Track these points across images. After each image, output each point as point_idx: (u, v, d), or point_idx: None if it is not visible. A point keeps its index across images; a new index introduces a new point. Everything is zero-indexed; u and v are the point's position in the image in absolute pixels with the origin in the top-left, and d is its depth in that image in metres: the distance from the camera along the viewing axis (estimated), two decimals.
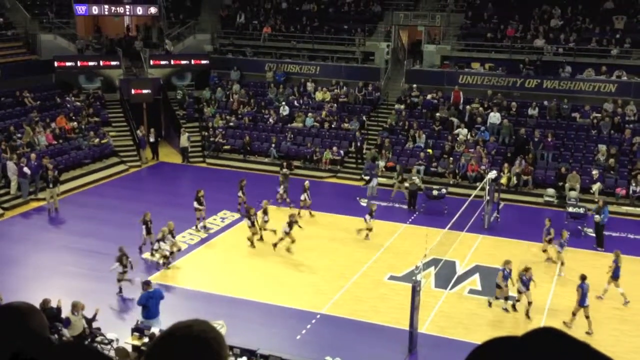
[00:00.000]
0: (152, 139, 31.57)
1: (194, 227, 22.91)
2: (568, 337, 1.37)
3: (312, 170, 29.71)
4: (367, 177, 27.53)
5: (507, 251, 21.33)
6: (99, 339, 15.43)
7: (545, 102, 30.23)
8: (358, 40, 35.28)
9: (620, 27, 31.67)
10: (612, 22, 31.89)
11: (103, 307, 15.91)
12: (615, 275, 17.99)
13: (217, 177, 29.12)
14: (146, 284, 16.07)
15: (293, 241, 21.03)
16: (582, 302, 16.31)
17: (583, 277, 16.50)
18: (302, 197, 23.96)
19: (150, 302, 15.66)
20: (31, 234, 22.59)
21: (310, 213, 24.10)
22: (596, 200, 25.58)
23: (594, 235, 22.70)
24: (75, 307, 14.75)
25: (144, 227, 20.63)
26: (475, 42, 33.41)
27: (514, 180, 27.01)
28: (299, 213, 23.47)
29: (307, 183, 24.46)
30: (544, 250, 21.03)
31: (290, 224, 20.96)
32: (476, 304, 17.90)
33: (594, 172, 26.30)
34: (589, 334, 16.20)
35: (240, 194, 24.21)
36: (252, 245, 21.46)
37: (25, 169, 25.34)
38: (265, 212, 21.99)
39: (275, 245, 21.06)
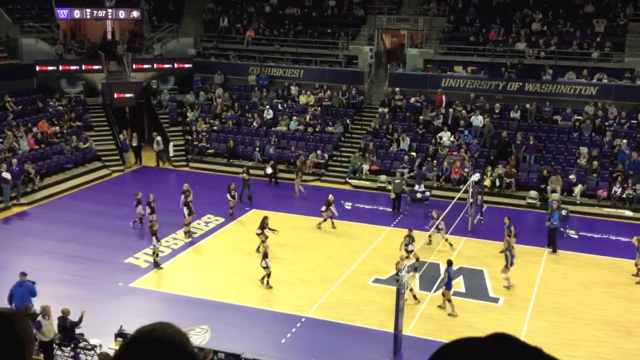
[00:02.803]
0: (134, 143, 31.42)
1: (181, 231, 22.88)
2: (520, 342, 1.44)
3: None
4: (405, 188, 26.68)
5: (491, 253, 21.48)
6: (82, 344, 15.31)
7: (528, 105, 30.47)
8: (341, 43, 35.34)
9: (601, 31, 31.99)
10: (592, 26, 32.21)
11: (85, 313, 15.75)
12: (509, 263, 18.98)
13: (200, 181, 28.99)
14: (22, 274, 16.27)
15: (263, 241, 21.21)
16: (447, 286, 17.39)
17: (449, 263, 17.55)
18: (323, 208, 23.57)
19: (17, 291, 15.85)
20: (13, 240, 22.32)
21: (332, 224, 23.61)
22: (577, 202, 25.88)
23: (576, 237, 22.96)
24: (45, 311, 14.56)
25: (154, 238, 20.04)
26: (457, 45, 33.61)
27: (497, 182, 27.16)
28: (322, 223, 23.54)
29: (330, 197, 23.87)
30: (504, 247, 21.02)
31: (262, 227, 21.16)
32: (460, 307, 17.95)
33: (572, 176, 26.54)
34: (453, 315, 17.30)
35: (229, 197, 24.29)
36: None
37: (5, 174, 25.07)
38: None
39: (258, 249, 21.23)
